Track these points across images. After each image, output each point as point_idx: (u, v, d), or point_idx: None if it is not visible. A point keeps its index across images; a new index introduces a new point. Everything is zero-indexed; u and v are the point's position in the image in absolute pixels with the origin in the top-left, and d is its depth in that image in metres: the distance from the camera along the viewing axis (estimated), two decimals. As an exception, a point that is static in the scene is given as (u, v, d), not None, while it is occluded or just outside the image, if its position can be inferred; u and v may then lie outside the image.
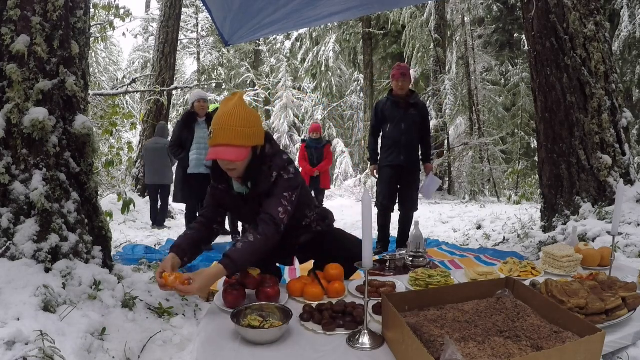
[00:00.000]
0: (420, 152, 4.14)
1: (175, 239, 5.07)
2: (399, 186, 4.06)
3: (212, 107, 5.99)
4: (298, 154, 6.81)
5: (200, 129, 4.43)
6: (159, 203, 6.61)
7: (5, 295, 1.64)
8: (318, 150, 6.38)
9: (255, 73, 19.71)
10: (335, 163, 16.61)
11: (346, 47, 16.80)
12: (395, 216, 4.16)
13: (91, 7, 2.86)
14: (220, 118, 1.85)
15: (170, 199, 6.19)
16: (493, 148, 13.24)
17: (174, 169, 6.23)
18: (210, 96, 17.97)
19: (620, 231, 3.17)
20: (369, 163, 4.32)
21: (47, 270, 1.87)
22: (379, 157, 4.14)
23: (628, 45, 9.64)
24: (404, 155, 3.93)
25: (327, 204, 11.31)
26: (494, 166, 13.05)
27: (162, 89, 8.19)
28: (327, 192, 13.85)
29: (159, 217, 6.57)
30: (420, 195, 4.19)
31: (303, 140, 6.93)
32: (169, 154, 5.51)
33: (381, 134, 4.12)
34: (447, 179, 13.71)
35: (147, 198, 7.60)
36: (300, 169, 6.78)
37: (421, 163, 4.19)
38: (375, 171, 4.19)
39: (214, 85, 18.77)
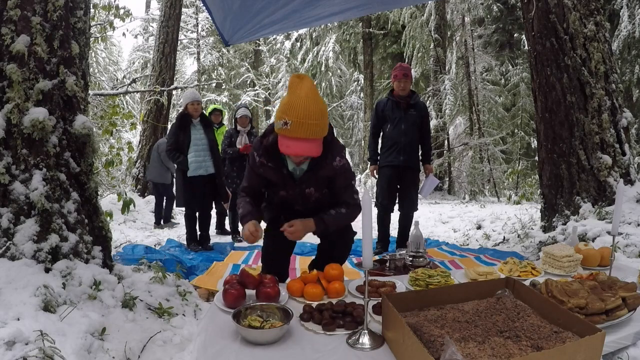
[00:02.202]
0: (420, 153, 4.14)
1: (175, 239, 5.01)
2: (398, 186, 4.06)
3: (211, 107, 5.98)
4: None
5: (195, 130, 4.38)
6: (164, 202, 6.56)
7: (5, 295, 1.64)
8: None
9: (255, 73, 19.70)
10: (336, 163, 16.54)
11: (346, 47, 16.81)
12: (395, 216, 4.16)
13: (91, 7, 2.86)
14: (307, 111, 1.84)
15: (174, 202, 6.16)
16: (493, 148, 13.23)
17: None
18: (210, 96, 17.97)
19: (620, 231, 3.17)
20: (369, 163, 4.32)
21: (47, 270, 1.87)
22: (378, 157, 4.14)
23: (627, 45, 9.64)
24: (403, 156, 3.92)
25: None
26: (494, 166, 13.04)
27: (162, 89, 8.20)
28: (327, 192, 13.78)
29: (165, 215, 6.53)
30: (418, 194, 4.19)
31: None
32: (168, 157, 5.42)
33: (381, 134, 4.12)
34: (447, 179, 13.70)
35: (148, 198, 7.60)
36: None
37: (421, 164, 4.18)
38: (375, 171, 4.18)
39: (214, 85, 18.76)
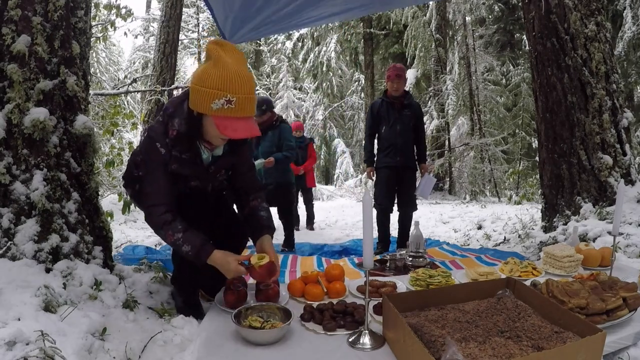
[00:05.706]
0: (415, 152, 4.13)
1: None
2: (396, 187, 4.06)
3: None
4: None
5: None
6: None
7: (6, 296, 1.64)
8: (301, 149, 6.21)
9: (256, 73, 19.71)
10: (336, 163, 16.63)
11: (347, 47, 16.80)
12: (395, 216, 4.16)
13: (92, 6, 2.86)
14: (250, 83, 1.57)
15: None
16: (494, 148, 13.21)
17: None
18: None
19: (621, 231, 3.17)
20: (366, 165, 4.31)
21: (48, 270, 1.87)
22: (375, 159, 4.14)
23: (633, 46, 9.58)
24: (400, 157, 3.93)
25: (327, 203, 11.30)
26: (495, 166, 13.02)
27: (163, 88, 8.19)
28: (327, 192, 13.71)
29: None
30: (418, 196, 4.18)
31: None
32: None
33: (377, 135, 4.12)
34: (448, 179, 13.69)
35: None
36: None
37: (416, 163, 4.17)
38: (372, 173, 4.18)
39: (214, 85, 18.75)
